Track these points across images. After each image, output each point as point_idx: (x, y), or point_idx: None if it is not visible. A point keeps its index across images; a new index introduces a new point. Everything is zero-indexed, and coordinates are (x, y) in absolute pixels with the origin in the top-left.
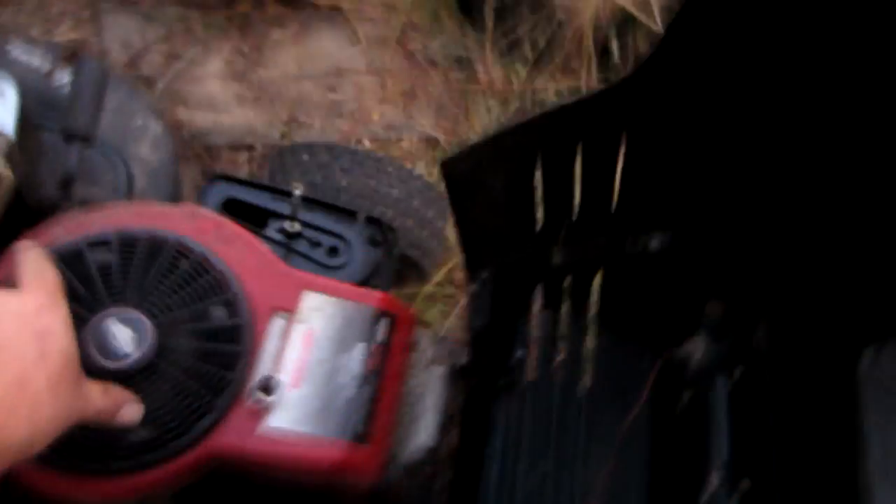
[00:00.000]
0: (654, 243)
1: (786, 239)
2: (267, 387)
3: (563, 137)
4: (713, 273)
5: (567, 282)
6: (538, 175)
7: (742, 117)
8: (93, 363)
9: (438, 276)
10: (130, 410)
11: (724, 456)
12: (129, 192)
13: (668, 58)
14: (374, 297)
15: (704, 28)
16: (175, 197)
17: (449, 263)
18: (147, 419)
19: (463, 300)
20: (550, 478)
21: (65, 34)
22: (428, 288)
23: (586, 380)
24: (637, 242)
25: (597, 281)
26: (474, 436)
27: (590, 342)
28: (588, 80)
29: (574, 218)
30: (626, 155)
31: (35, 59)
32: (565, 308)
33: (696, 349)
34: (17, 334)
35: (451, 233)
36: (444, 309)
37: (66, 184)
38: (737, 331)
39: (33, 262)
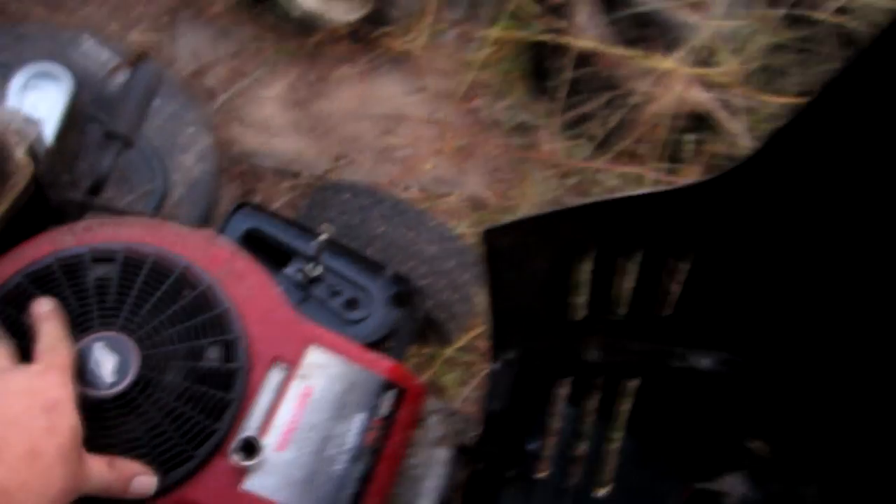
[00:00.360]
0: (705, 362)
1: (861, 387)
2: (248, 448)
3: (623, 230)
4: (766, 408)
5: (599, 380)
6: (586, 264)
7: (828, 246)
8: None
9: (462, 341)
10: (143, 483)
11: None
12: (162, 201)
13: (758, 170)
14: (384, 365)
15: (808, 149)
16: (210, 212)
17: (474, 330)
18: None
19: (483, 371)
20: None
21: (139, 36)
22: (449, 351)
23: (604, 488)
24: (685, 357)
25: (632, 385)
26: None
27: (613, 449)
28: (653, 170)
29: (618, 316)
30: (691, 261)
31: (103, 55)
32: (592, 407)
33: (734, 489)
34: (27, 410)
35: (481, 299)
36: (463, 376)
37: (97, 186)
38: (783, 480)
39: (50, 334)
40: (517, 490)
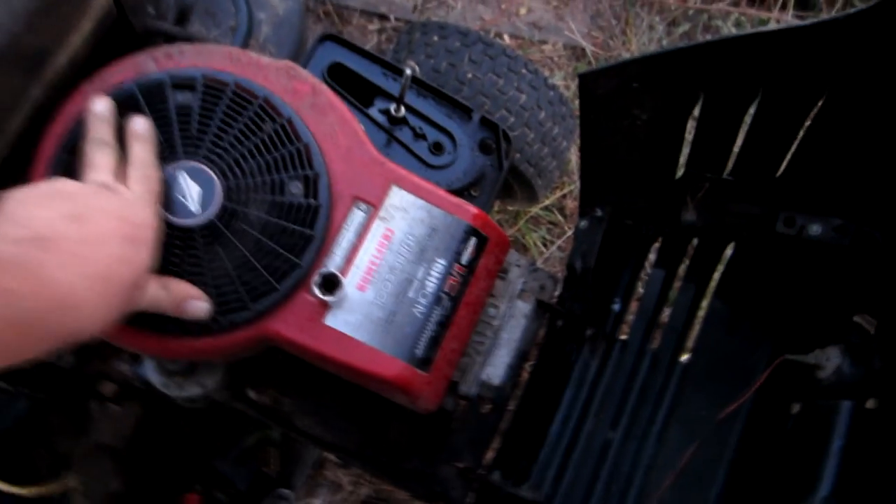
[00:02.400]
0: (815, 228)
1: None
2: (329, 283)
3: (738, 75)
4: (878, 282)
5: (692, 244)
6: (693, 115)
7: None
8: None
9: (549, 200)
10: (196, 307)
11: (826, 490)
12: (247, 37)
13: None
14: (468, 211)
15: None
16: (297, 53)
17: (563, 189)
18: (206, 287)
19: (568, 233)
20: (614, 446)
21: None
22: (534, 210)
23: (685, 354)
24: (794, 222)
25: (727, 251)
26: (546, 382)
27: (700, 316)
28: (781, 16)
29: (724, 175)
30: (816, 113)
31: None
32: (681, 271)
33: (828, 362)
34: (114, 234)
35: (574, 156)
36: (547, 237)
37: (181, 17)
38: (886, 357)
39: (142, 157)
40: (596, 349)
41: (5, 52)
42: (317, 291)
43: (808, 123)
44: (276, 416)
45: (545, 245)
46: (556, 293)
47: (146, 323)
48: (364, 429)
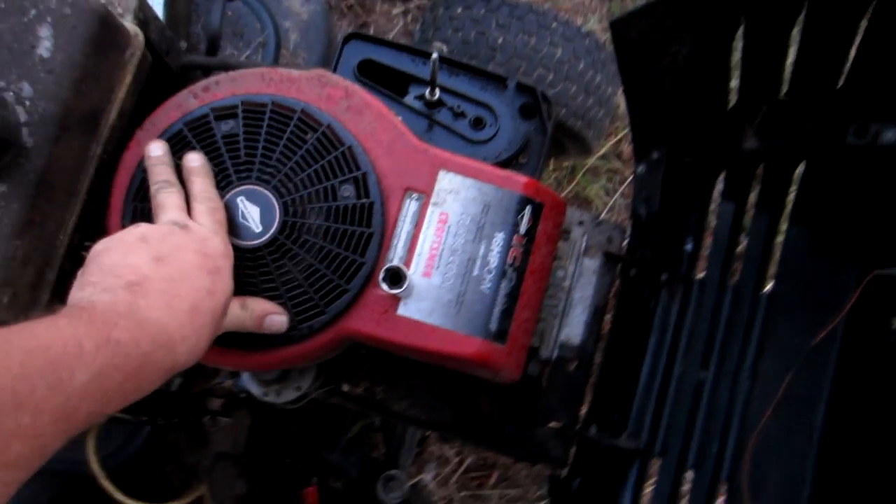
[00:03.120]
0: (890, 135)
1: None
2: (394, 278)
3: None
4: None
5: (759, 170)
6: (738, 40)
7: None
8: None
9: (604, 148)
10: (275, 321)
11: None
12: (277, 50)
13: None
14: (518, 181)
15: None
16: (328, 53)
17: (617, 135)
18: (282, 300)
19: (630, 177)
20: (707, 386)
21: None
22: (591, 161)
23: (768, 283)
24: (865, 132)
25: (797, 173)
26: (627, 333)
27: (778, 242)
28: None
29: (781, 95)
30: (873, 10)
31: None
32: (753, 200)
33: None
34: (198, 269)
35: (621, 100)
36: (608, 185)
37: (213, 45)
38: None
39: (203, 189)
40: (672, 293)
41: (62, 119)
42: (384, 287)
43: (864, 24)
44: (373, 405)
45: (608, 194)
46: (625, 243)
47: (234, 342)
48: (456, 404)
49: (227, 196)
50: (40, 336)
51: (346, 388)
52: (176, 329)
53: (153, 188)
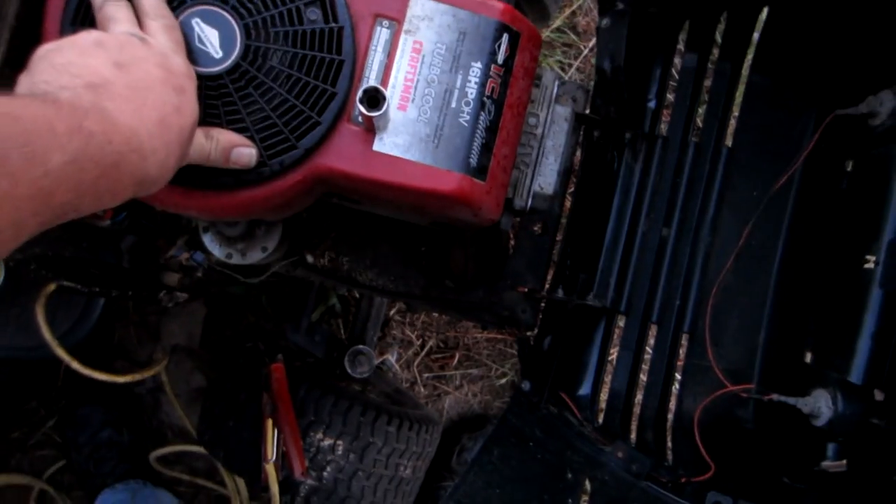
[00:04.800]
0: None
1: None
2: (372, 100)
3: None
4: None
5: (722, 18)
6: None
7: None
8: None
9: (558, 20)
10: (242, 154)
11: (892, 232)
12: None
13: None
14: (495, 7)
15: None
16: None
17: (572, 5)
18: (249, 133)
19: (585, 52)
20: (670, 242)
21: None
22: (545, 34)
23: (729, 137)
24: None
25: (760, 19)
26: (592, 194)
27: (739, 93)
28: None
29: None
30: None
31: None
32: (716, 52)
33: (883, 106)
34: (163, 84)
35: None
36: (564, 60)
37: None
38: None
39: (156, 8)
40: (637, 151)
41: None
42: (362, 108)
43: None
44: (338, 275)
45: (563, 69)
46: (588, 107)
47: (200, 182)
48: (426, 271)
49: (181, 17)
50: (4, 104)
51: (310, 258)
52: (146, 138)
53: (97, 1)
